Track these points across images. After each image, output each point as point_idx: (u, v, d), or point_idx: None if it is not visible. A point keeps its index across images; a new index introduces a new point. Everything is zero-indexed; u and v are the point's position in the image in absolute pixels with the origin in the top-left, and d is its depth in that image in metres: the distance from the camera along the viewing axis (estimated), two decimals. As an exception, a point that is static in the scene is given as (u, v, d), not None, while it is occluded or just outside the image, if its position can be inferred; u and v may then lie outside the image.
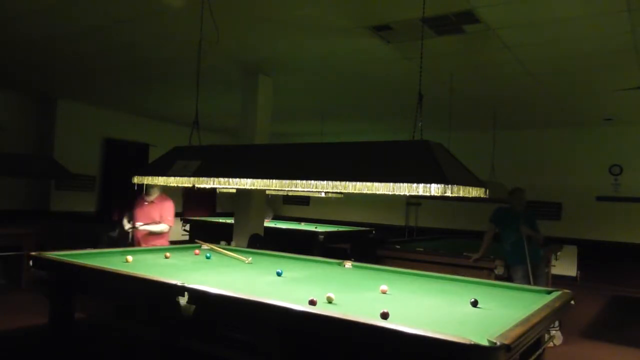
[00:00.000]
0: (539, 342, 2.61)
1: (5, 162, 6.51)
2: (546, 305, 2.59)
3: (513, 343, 1.85)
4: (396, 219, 10.47)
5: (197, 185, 3.54)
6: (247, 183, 3.09)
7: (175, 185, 3.57)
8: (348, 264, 3.94)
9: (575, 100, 6.83)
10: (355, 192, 2.69)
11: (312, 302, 2.38)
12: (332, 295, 2.54)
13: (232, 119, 8.42)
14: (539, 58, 5.07)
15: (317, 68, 5.92)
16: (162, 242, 5.08)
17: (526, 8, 3.89)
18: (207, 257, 4.14)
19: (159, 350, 2.89)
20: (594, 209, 8.47)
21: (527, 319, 2.23)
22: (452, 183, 2.33)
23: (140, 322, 3.16)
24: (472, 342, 1.76)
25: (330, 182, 2.70)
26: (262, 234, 6.29)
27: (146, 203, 5.15)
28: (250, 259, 4.05)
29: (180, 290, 2.58)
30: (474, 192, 2.49)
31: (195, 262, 3.97)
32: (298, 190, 5.72)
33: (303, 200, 11.70)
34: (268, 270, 3.58)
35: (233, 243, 5.48)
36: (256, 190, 5.77)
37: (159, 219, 5.13)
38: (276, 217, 10.81)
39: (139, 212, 5.15)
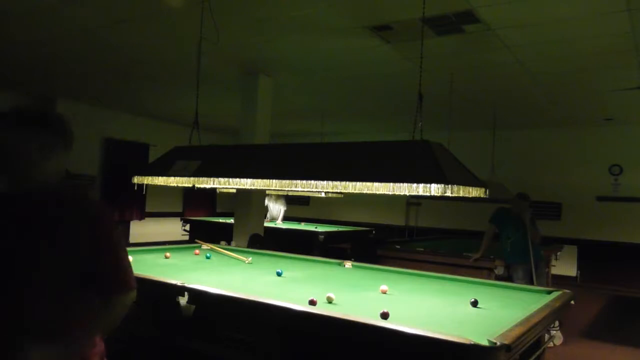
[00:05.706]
0: (539, 342, 2.61)
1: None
2: (546, 305, 2.59)
3: (513, 343, 1.85)
4: (396, 219, 10.47)
5: (197, 185, 3.54)
6: (247, 183, 3.09)
7: (175, 185, 3.57)
8: (348, 264, 3.93)
9: (575, 100, 6.82)
10: (355, 192, 2.69)
11: (312, 302, 2.38)
12: (332, 295, 2.54)
13: (232, 119, 8.42)
14: (539, 58, 5.07)
15: (317, 68, 5.92)
16: None
17: (526, 8, 3.89)
18: (207, 257, 4.14)
19: (158, 350, 2.88)
20: (594, 209, 8.46)
21: (527, 319, 2.23)
22: (452, 183, 2.33)
23: (140, 322, 3.16)
24: (472, 342, 1.76)
25: (330, 182, 2.70)
26: (262, 234, 6.29)
27: None
28: (250, 259, 4.05)
29: (180, 290, 2.58)
30: (474, 192, 2.49)
31: (195, 262, 3.97)
32: (298, 190, 5.72)
33: (303, 200, 11.70)
34: (268, 270, 3.58)
35: (233, 243, 5.48)
36: (256, 190, 5.78)
37: None
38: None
39: None
